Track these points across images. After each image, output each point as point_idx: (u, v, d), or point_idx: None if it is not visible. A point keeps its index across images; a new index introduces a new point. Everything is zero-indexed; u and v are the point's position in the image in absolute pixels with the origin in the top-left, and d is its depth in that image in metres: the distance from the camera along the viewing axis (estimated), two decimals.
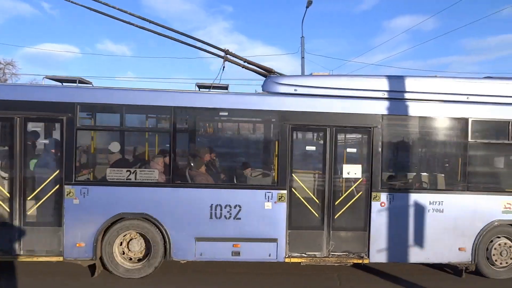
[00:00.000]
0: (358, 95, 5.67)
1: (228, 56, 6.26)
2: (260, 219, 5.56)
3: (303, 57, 14.93)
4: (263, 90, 5.83)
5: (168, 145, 5.47)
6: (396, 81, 5.78)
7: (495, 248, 5.95)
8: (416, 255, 5.78)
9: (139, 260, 5.66)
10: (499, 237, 5.95)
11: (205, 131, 5.91)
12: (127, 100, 5.39)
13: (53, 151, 5.51)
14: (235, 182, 5.76)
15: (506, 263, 5.99)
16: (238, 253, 5.56)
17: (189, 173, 5.66)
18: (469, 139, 5.75)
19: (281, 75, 6.05)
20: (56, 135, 5.52)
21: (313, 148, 5.77)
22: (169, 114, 5.44)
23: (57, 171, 5.39)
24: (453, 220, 5.77)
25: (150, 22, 5.78)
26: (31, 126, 5.51)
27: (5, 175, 5.36)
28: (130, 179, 5.45)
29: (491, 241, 5.93)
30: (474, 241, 5.84)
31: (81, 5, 5.68)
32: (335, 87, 5.66)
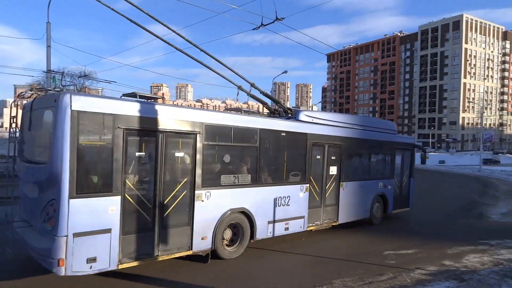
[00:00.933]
0: (336, 124, 9.48)
1: (250, 89, 8.73)
2: (297, 204, 8.48)
3: (49, 46, 14.08)
4: (295, 119, 8.46)
5: (255, 156, 7.35)
6: (348, 117, 9.98)
7: (375, 206, 11.02)
8: (356, 215, 10.28)
9: (227, 245, 7.16)
10: (377, 201, 11.06)
11: (271, 145, 7.71)
12: (234, 123, 7.00)
13: (184, 161, 6.29)
14: (287, 180, 8.11)
15: (380, 215, 11.24)
16: (287, 229, 8.28)
17: (263, 176, 7.72)
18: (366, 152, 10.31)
19: (293, 108, 9.18)
20: (187, 149, 6.28)
21: (319, 156, 8.91)
22: (256, 134, 7.33)
23: (186, 179, 6.22)
24: (365, 194, 10.55)
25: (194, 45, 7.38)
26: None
27: (145, 185, 5.74)
28: (235, 182, 7.04)
29: (373, 203, 10.87)
30: (371, 204, 10.84)
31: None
32: (328, 119, 9.24)
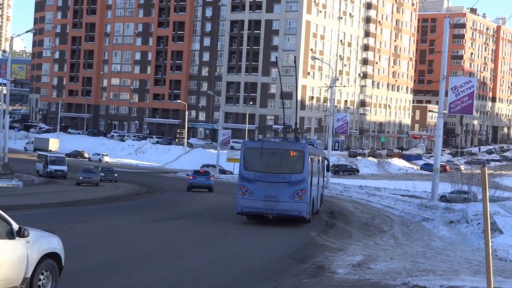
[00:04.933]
0: (320, 148, 43.44)
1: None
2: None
3: None
4: (314, 146, 35.07)
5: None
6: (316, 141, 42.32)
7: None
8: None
9: None
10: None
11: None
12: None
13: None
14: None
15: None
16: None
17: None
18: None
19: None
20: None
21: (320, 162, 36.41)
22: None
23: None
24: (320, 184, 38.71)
25: None
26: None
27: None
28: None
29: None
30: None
31: None
32: (317, 146, 39.27)
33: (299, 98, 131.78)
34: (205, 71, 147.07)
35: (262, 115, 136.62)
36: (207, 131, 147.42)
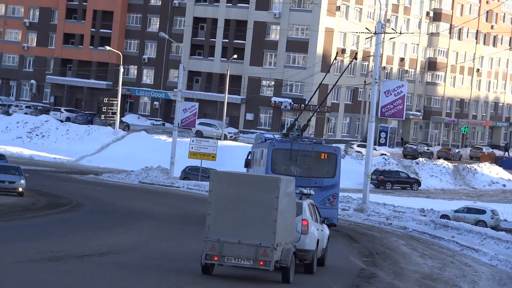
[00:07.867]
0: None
1: None
2: None
3: None
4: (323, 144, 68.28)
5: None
6: None
7: None
8: None
9: None
10: None
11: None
12: None
13: None
14: None
15: None
16: None
17: None
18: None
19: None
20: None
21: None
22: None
23: None
24: None
25: None
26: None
27: None
28: None
29: None
30: None
31: None
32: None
33: (319, 51, 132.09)
34: None
35: (253, 79, 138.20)
36: (156, 103, 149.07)
